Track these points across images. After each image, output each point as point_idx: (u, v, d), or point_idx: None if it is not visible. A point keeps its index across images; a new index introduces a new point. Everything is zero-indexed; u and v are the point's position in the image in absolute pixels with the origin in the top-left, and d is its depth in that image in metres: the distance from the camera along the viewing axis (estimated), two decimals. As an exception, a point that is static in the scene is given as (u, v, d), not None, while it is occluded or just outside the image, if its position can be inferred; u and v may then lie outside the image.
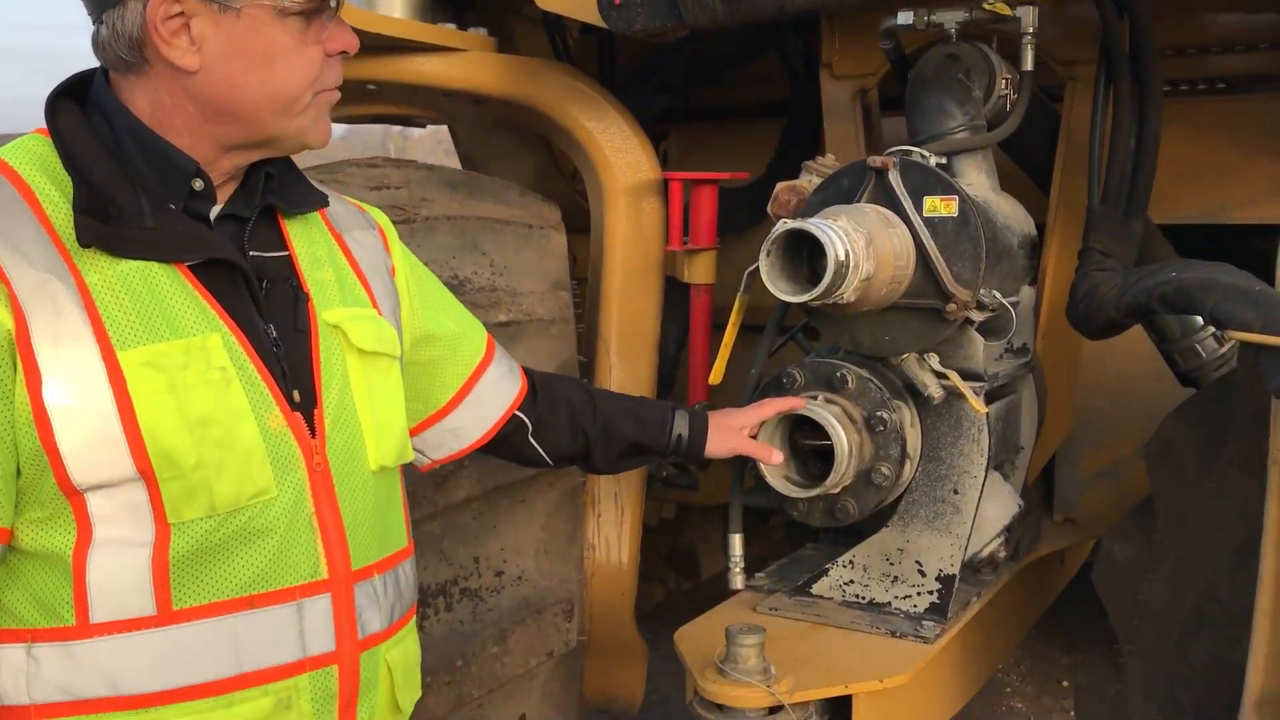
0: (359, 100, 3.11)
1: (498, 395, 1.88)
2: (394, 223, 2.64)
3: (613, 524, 2.94)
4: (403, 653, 1.62)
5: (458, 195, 2.91)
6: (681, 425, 2.04)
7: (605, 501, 2.95)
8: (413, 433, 1.79)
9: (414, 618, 1.70)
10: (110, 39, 1.40)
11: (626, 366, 2.96)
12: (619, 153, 2.97)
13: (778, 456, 2.11)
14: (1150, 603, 2.28)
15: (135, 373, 1.33)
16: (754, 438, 2.14)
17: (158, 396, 1.33)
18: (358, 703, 1.51)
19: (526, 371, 1.96)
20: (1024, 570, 2.71)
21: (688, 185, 2.91)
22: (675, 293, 3.04)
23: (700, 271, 2.94)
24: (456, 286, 2.60)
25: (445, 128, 4.01)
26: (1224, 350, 2.76)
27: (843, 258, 1.83)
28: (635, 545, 2.96)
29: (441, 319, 1.81)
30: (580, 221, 3.19)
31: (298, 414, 1.46)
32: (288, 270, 1.55)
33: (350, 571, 1.50)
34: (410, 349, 1.75)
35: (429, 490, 2.27)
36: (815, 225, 1.84)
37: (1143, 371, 3.09)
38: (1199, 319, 2.74)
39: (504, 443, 1.92)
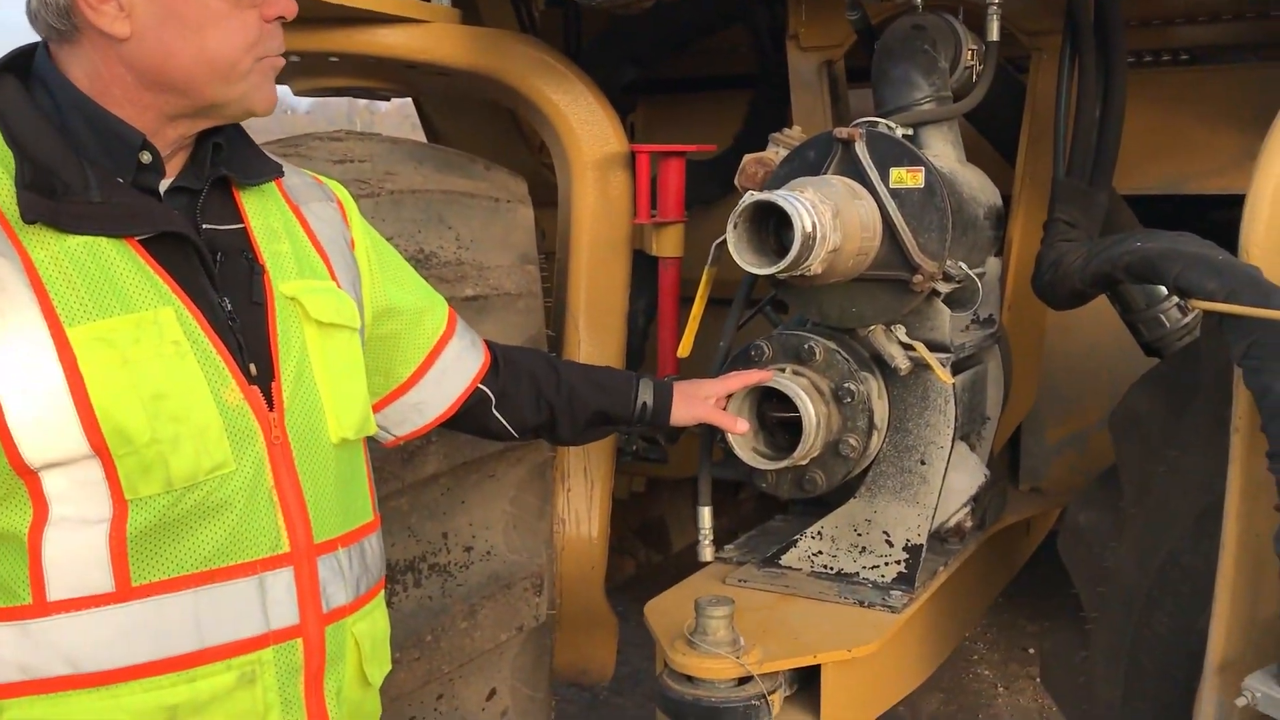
0: (322, 73, 3.06)
1: (460, 369, 1.87)
2: (358, 196, 2.63)
3: (582, 498, 2.94)
4: (370, 626, 1.62)
5: (423, 169, 2.88)
6: (646, 394, 2.04)
7: (575, 475, 2.95)
8: (375, 409, 1.78)
9: (382, 592, 1.69)
10: (40, 7, 1.38)
11: (595, 340, 2.95)
12: (586, 125, 2.95)
13: (743, 426, 2.11)
14: (1115, 570, 2.30)
15: (86, 349, 1.31)
16: (722, 410, 2.14)
17: (110, 372, 1.32)
18: (325, 676, 1.50)
19: (489, 345, 1.95)
20: (990, 539, 2.74)
21: (655, 158, 2.89)
22: (643, 266, 3.03)
23: (668, 244, 2.93)
24: (423, 260, 2.57)
25: (411, 101, 3.97)
26: (1187, 320, 2.79)
27: (809, 230, 1.82)
28: (605, 519, 2.96)
29: (402, 293, 1.80)
30: (547, 195, 3.17)
31: (255, 387, 1.45)
32: (242, 243, 1.53)
33: (312, 545, 1.49)
34: (371, 323, 1.73)
35: (396, 466, 2.26)
36: (782, 197, 1.83)
37: (1107, 342, 3.13)
38: (1163, 289, 2.76)
39: (468, 416, 1.91)
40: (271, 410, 1.46)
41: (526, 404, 1.95)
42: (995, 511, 2.73)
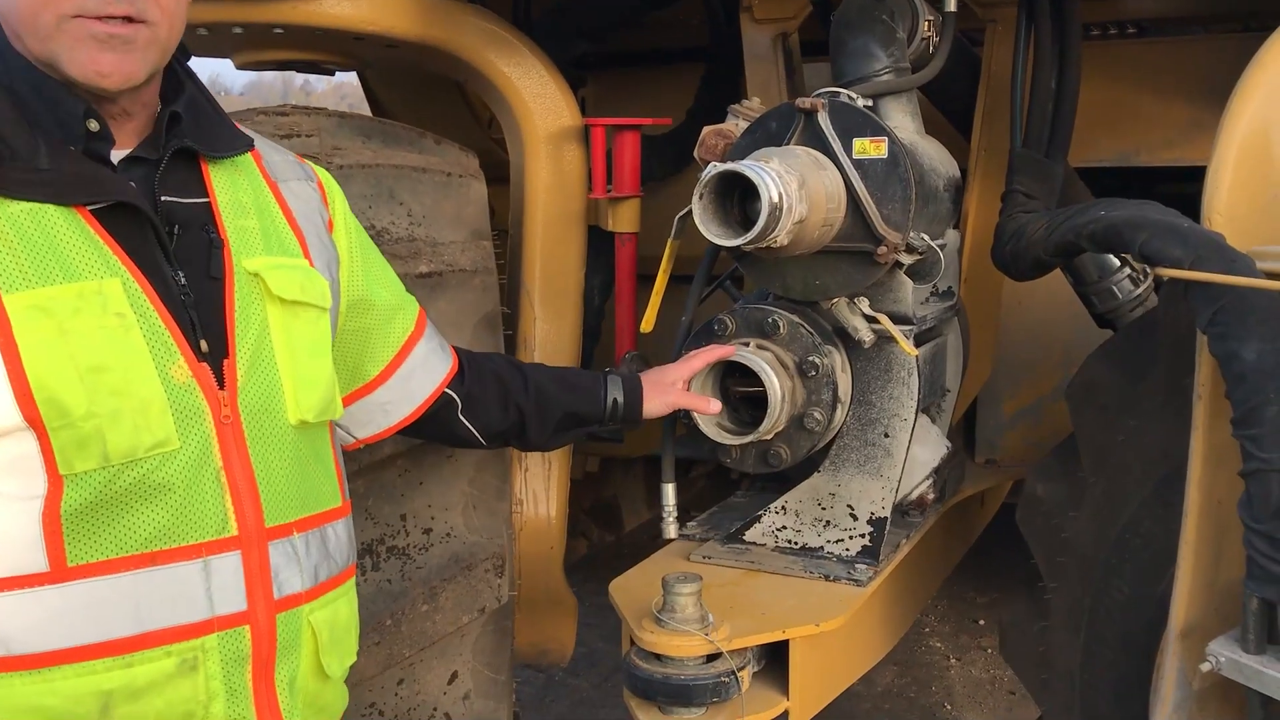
0: (265, 45, 2.97)
1: (428, 371, 1.83)
2: (305, 172, 2.56)
3: (540, 478, 2.90)
4: (331, 615, 1.57)
5: (371, 143, 2.80)
6: (616, 390, 2.01)
7: (532, 456, 2.90)
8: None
9: (350, 581, 1.65)
10: None
11: (550, 317, 2.91)
12: (538, 99, 2.90)
13: (716, 406, 2.09)
14: (1073, 540, 2.32)
15: (21, 317, 1.27)
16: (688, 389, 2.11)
17: (46, 342, 1.28)
18: (275, 665, 1.45)
19: (456, 349, 1.91)
20: (948, 512, 2.75)
21: (610, 131, 2.85)
22: (599, 242, 2.99)
23: (624, 219, 2.89)
24: (375, 237, 2.48)
25: (349, 82, 3.88)
26: (1139, 291, 2.81)
27: (776, 200, 1.80)
28: (563, 499, 2.92)
29: (378, 288, 1.76)
30: (496, 172, 3.10)
31: (205, 364, 1.41)
32: (205, 217, 1.49)
33: (263, 529, 1.44)
34: (345, 312, 1.69)
35: (354, 449, 2.20)
36: (748, 167, 1.80)
37: (1060, 314, 3.15)
38: (1115, 261, 2.78)
39: (433, 421, 1.86)
40: (223, 388, 1.42)
41: (493, 408, 1.91)
42: (954, 484, 2.74)
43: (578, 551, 5.27)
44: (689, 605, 1.92)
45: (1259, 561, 1.61)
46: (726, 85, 3.37)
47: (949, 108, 3.00)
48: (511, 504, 2.78)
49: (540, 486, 2.90)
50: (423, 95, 3.79)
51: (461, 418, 1.89)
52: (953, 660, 4.74)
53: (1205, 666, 1.72)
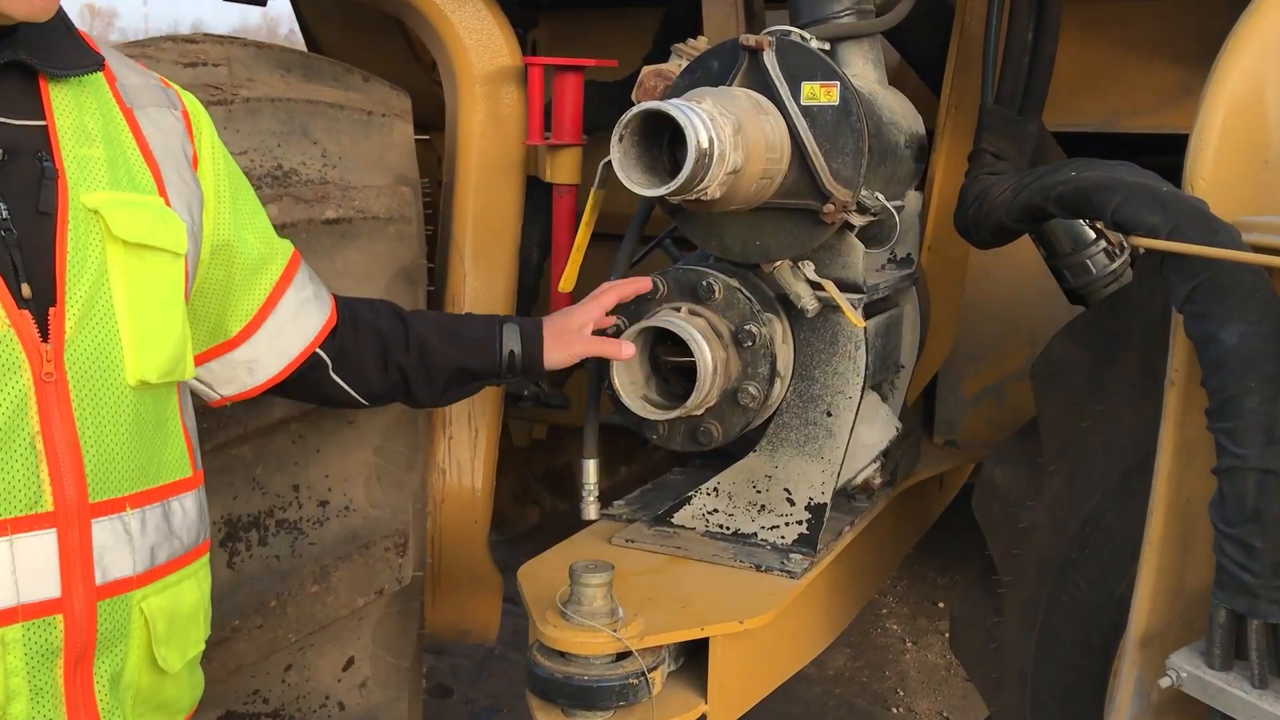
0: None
1: (298, 327, 1.61)
2: (207, 104, 2.31)
3: (465, 446, 2.69)
4: (171, 601, 1.36)
5: (289, 77, 2.58)
6: (512, 340, 1.80)
7: (458, 422, 2.70)
8: (200, 361, 1.54)
9: (199, 562, 1.44)
10: None
11: (482, 274, 2.69)
12: (474, 34, 2.66)
13: (629, 350, 1.87)
14: (1031, 531, 2.18)
15: None
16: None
17: None
18: (94, 659, 1.25)
19: (337, 300, 1.70)
20: (901, 495, 2.56)
21: (549, 72, 2.62)
22: (539, 195, 2.77)
23: (564, 170, 2.67)
24: (280, 178, 2.28)
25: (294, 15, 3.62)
26: (1115, 266, 2.65)
27: (705, 145, 1.58)
28: (490, 469, 2.72)
29: (247, 234, 1.54)
30: (443, 120, 2.88)
31: (26, 312, 1.21)
32: (39, 142, 1.29)
33: (87, 504, 1.25)
34: (207, 260, 1.48)
35: (239, 410, 1.98)
36: (675, 107, 1.59)
37: (1029, 288, 2.99)
38: (1090, 233, 2.61)
39: (302, 382, 1.66)
40: (46, 341, 1.22)
41: (371, 366, 1.70)
42: (907, 466, 2.55)
43: (529, 520, 5.12)
44: (597, 598, 1.72)
45: (1229, 569, 1.44)
46: (686, 30, 3.13)
47: (918, 60, 2.78)
48: (430, 474, 2.58)
49: (465, 455, 2.70)
50: (361, 34, 3.54)
51: (335, 377, 1.68)
52: (909, 644, 4.60)
53: (1165, 681, 1.57)
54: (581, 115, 2.66)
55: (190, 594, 1.42)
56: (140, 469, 1.32)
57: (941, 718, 4.09)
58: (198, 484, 1.44)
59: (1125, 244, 2.66)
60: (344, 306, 1.71)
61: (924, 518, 3.05)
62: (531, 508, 5.13)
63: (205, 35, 2.56)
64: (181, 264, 1.37)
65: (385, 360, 1.72)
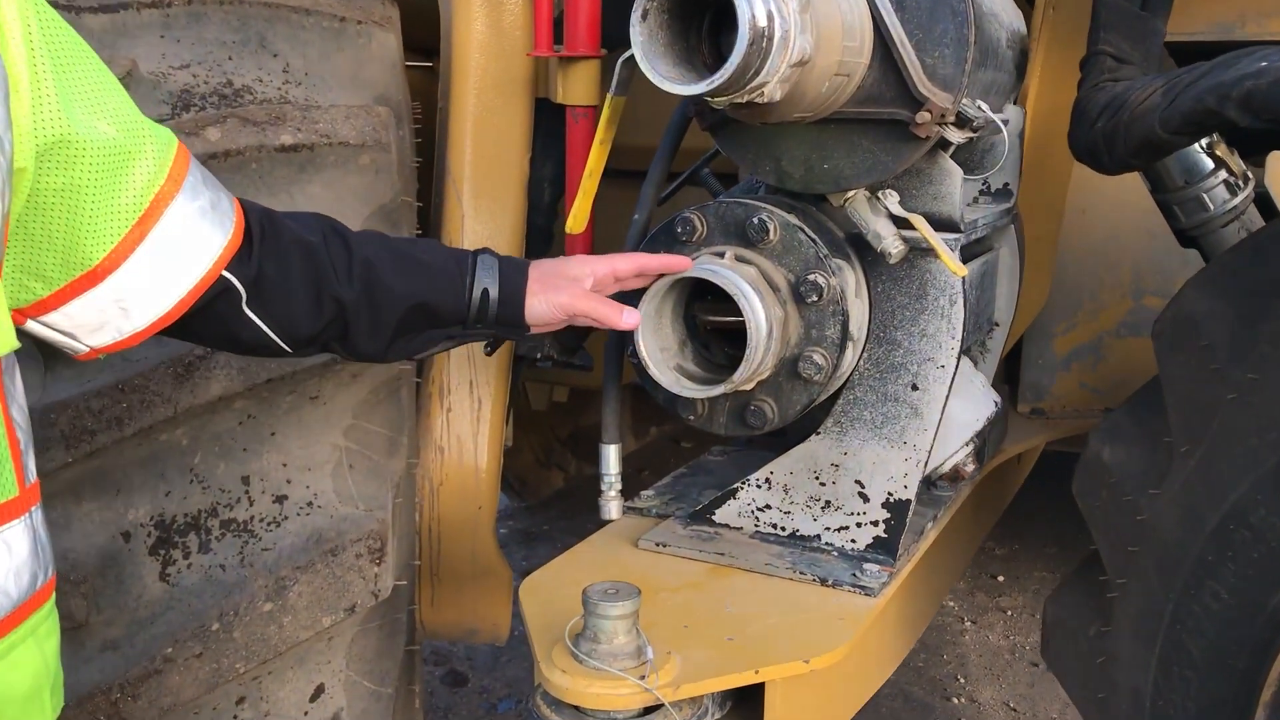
0: None
1: (192, 244, 1.18)
2: (143, 6, 1.90)
3: (467, 419, 2.29)
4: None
5: (251, -22, 2.15)
6: (487, 275, 1.37)
7: (458, 391, 2.29)
8: (49, 306, 1.13)
9: (39, 614, 1.03)
10: None
11: (483, 215, 2.27)
12: (469, -75, 2.22)
13: (632, 318, 1.44)
14: (1154, 525, 1.80)
15: None
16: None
17: None
18: None
19: (245, 207, 1.26)
20: (983, 477, 2.14)
21: (560, -32, 2.17)
22: (551, 119, 2.33)
23: (578, 89, 2.23)
24: (231, 97, 1.87)
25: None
26: (1237, 201, 2.24)
27: (763, 23, 1.13)
28: (497, 446, 2.32)
29: (93, 120, 1.09)
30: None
31: None
32: None
33: None
34: (35, 167, 1.04)
35: (166, 386, 1.58)
36: (720, -31, 1.14)
37: (1130, 226, 2.60)
38: (1208, 161, 2.20)
39: (204, 319, 1.22)
40: None
41: (299, 299, 1.27)
42: (995, 443, 2.12)
43: (553, 484, 4.79)
44: (618, 632, 1.31)
45: None
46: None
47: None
48: (422, 455, 2.18)
49: (467, 430, 2.29)
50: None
51: (248, 312, 1.25)
52: (967, 624, 4.21)
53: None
54: (599, 21, 2.21)
55: (24, 667, 1.00)
56: None
57: (1008, 709, 3.70)
58: (30, 505, 1.02)
59: (1250, 175, 2.25)
60: (260, 217, 1.27)
61: (1002, 497, 2.63)
62: (555, 472, 4.79)
63: (149, -71, 2.13)
64: None
65: (318, 291, 1.29)
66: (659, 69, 1.18)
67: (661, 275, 1.48)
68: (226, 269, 1.20)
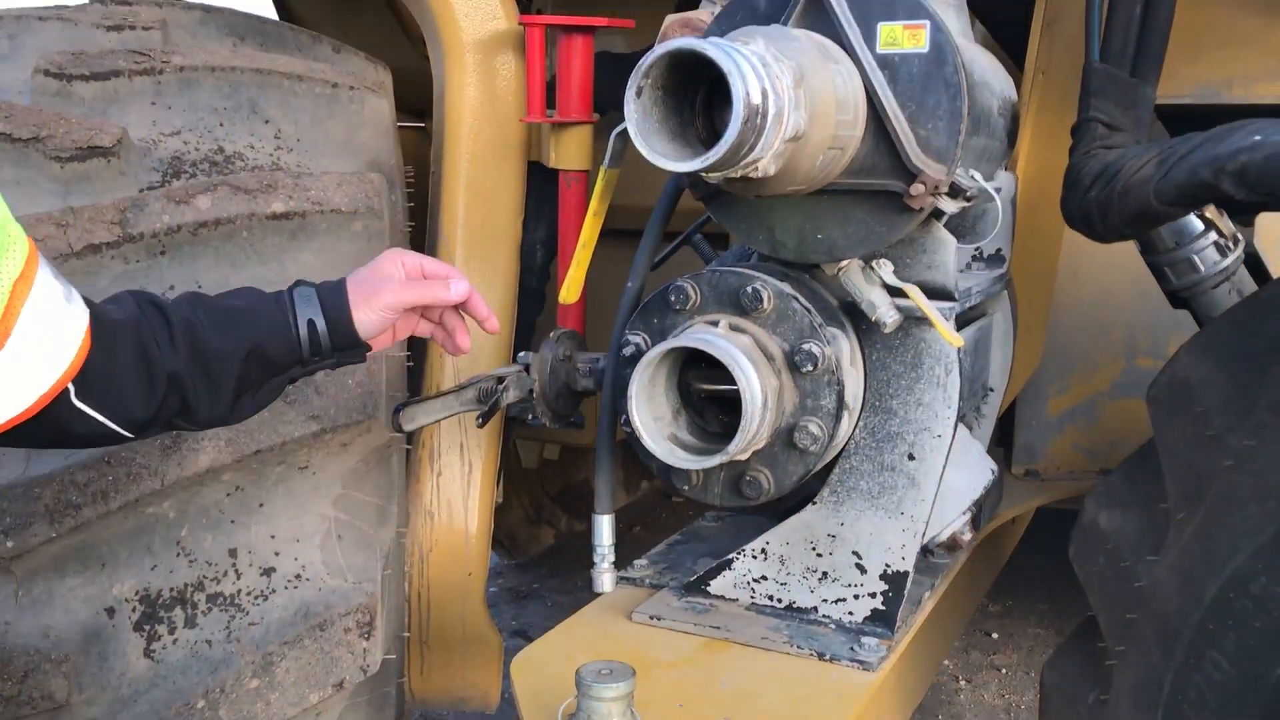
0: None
1: (52, 344, 1.14)
2: (134, 73, 1.91)
3: (457, 483, 2.26)
4: None
5: (245, 45, 2.16)
6: (308, 306, 1.35)
7: (449, 454, 2.27)
8: None
9: None
10: None
11: (476, 277, 2.27)
12: (462, -9, 2.23)
13: (461, 284, 1.43)
14: (1152, 592, 1.77)
15: None
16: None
17: None
18: None
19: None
20: (979, 543, 2.11)
21: (553, 35, 2.18)
22: (543, 182, 2.34)
23: (571, 153, 2.24)
24: (221, 164, 1.87)
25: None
26: (1227, 263, 2.23)
27: (757, 100, 1.13)
28: (488, 511, 2.29)
29: None
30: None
31: None
32: None
33: None
34: None
35: (153, 458, 1.55)
36: (716, 46, 1.14)
37: (1122, 288, 2.56)
38: (1198, 223, 2.19)
39: (33, 422, 1.16)
40: None
41: (131, 382, 1.23)
42: (991, 508, 2.09)
43: (543, 542, 4.73)
44: (613, 714, 1.28)
45: None
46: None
47: (993, 16, 2.34)
48: (416, 519, 2.16)
49: (458, 494, 2.26)
50: (339, 3, 3.11)
51: (80, 405, 1.20)
52: (962, 682, 4.15)
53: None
54: (591, 87, 2.22)
55: None
56: None
57: (1006, 771, 3.64)
58: None
59: (1240, 236, 2.25)
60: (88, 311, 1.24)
61: (997, 559, 2.60)
62: (546, 529, 4.75)
63: (148, -5, 2.14)
64: None
65: (149, 370, 1.24)
66: (653, 146, 1.17)
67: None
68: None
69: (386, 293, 1.39)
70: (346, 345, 1.37)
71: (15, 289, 1.08)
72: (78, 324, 1.17)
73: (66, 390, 1.17)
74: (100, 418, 1.22)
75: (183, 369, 1.25)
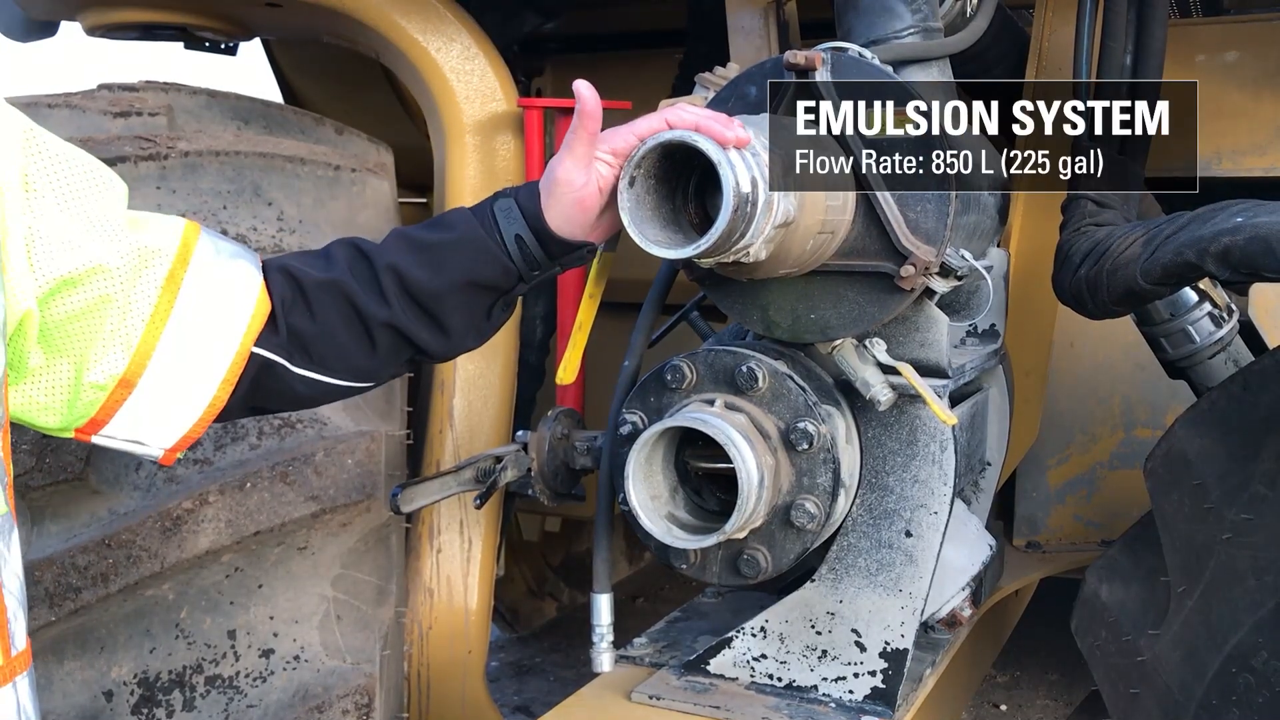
0: (120, 3, 2.36)
1: (215, 326, 1.17)
2: (140, 159, 1.95)
3: (457, 561, 2.26)
4: None
5: (249, 129, 2.20)
6: (512, 222, 1.28)
7: (448, 531, 2.27)
8: (98, 424, 1.14)
9: None
10: None
11: (476, 353, 2.28)
12: (463, 76, 2.28)
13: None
14: (1155, 667, 1.76)
15: None
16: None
17: None
18: None
19: (271, 273, 1.24)
20: (981, 616, 2.10)
21: (550, 117, 2.23)
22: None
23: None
24: (227, 247, 1.89)
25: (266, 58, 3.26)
26: (1222, 333, 2.24)
27: (747, 189, 1.16)
28: (488, 588, 2.29)
29: (91, 244, 1.09)
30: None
31: None
32: None
33: None
34: (43, 307, 1.06)
35: (153, 540, 1.56)
36: (706, 138, 1.17)
37: (1118, 359, 2.58)
38: (1192, 295, 2.20)
39: (258, 393, 1.22)
40: None
41: (346, 340, 1.24)
42: (992, 582, 2.09)
43: (545, 614, 4.69)
44: (612, 800, 1.27)
45: None
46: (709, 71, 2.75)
47: (984, 96, 2.38)
48: (416, 597, 2.15)
49: (457, 570, 2.26)
50: (343, 84, 3.18)
51: (299, 371, 1.23)
52: (973, 757, 4.09)
53: None
54: (590, 167, 2.26)
55: None
56: None
57: None
58: (16, 674, 0.99)
59: (1234, 306, 2.26)
60: (281, 284, 1.25)
61: (1000, 633, 2.58)
62: (548, 602, 4.71)
63: (149, 82, 2.19)
64: None
65: (363, 324, 1.24)
66: (647, 234, 1.20)
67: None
68: (255, 345, 1.19)
69: (587, 160, 1.28)
70: (562, 252, 1.30)
71: (165, 288, 1.13)
72: (242, 307, 1.20)
73: (281, 365, 1.20)
74: (324, 378, 1.24)
75: (398, 317, 1.24)
